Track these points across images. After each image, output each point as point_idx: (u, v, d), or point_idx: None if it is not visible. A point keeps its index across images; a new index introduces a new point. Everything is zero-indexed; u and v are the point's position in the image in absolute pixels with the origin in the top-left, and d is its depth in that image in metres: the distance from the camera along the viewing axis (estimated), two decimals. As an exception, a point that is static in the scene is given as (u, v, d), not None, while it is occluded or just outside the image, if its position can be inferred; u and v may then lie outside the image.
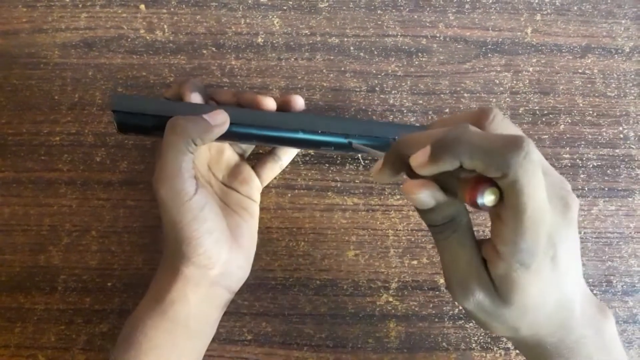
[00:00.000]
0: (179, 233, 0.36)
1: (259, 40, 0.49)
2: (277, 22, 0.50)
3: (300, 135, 0.41)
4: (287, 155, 0.46)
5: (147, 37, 0.49)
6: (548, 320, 0.30)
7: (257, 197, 0.45)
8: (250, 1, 0.50)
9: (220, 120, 0.38)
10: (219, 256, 0.38)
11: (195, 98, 0.41)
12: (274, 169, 0.46)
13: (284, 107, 0.42)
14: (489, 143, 0.26)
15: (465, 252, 0.30)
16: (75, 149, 0.48)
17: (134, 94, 0.48)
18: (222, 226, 0.39)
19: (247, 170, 0.45)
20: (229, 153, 0.45)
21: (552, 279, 0.29)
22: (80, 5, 0.50)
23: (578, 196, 0.47)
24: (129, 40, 0.49)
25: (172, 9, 0.50)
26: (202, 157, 0.43)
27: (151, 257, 0.46)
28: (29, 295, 0.46)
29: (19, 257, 0.46)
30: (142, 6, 0.50)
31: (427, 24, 0.50)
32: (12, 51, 0.49)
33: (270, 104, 0.41)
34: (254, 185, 0.44)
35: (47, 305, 0.46)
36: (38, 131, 0.48)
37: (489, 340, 0.46)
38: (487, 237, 0.30)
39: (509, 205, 0.26)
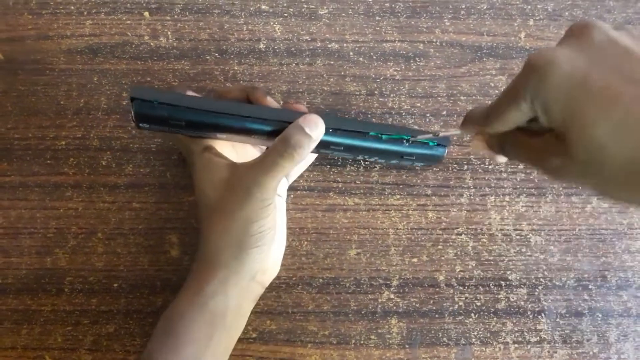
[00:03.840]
0: (248, 227, 0.38)
1: (261, 46, 0.51)
2: (278, 29, 0.51)
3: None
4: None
5: (152, 44, 0.50)
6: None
7: (284, 193, 0.46)
8: (252, 8, 0.51)
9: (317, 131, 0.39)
10: (268, 252, 0.40)
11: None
12: (300, 166, 0.47)
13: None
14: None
15: None
16: (80, 153, 0.49)
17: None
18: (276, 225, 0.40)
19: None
20: (253, 152, 0.46)
21: None
22: (85, 13, 0.51)
23: (572, 194, 0.49)
24: (134, 46, 0.50)
25: (175, 16, 0.51)
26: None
27: (157, 258, 0.47)
28: (35, 297, 0.47)
29: (26, 260, 0.47)
30: (146, 13, 0.51)
31: (424, 30, 0.52)
32: (18, 57, 0.50)
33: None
34: (282, 182, 0.46)
35: (54, 306, 0.47)
36: (44, 136, 0.49)
37: (488, 335, 0.47)
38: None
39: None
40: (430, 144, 0.44)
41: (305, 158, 0.39)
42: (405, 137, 0.43)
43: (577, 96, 0.27)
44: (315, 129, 0.38)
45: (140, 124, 0.39)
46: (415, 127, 0.50)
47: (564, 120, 0.28)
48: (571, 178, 0.30)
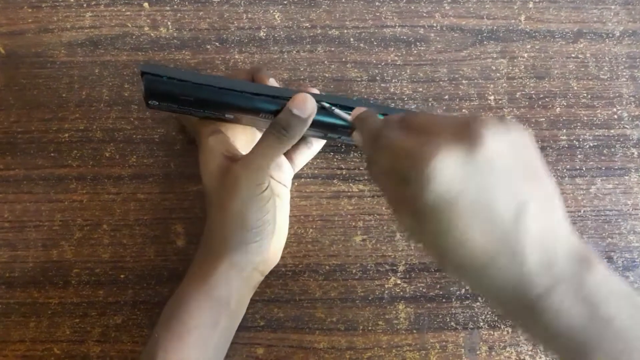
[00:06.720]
0: (244, 221, 0.38)
1: (261, 34, 0.51)
2: (278, 16, 0.51)
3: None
4: (319, 140, 0.47)
5: (152, 34, 0.50)
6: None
7: (289, 182, 0.46)
8: (251, -4, 0.51)
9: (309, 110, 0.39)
10: (268, 245, 0.40)
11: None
12: (306, 154, 0.47)
13: None
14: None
15: None
16: (84, 145, 0.49)
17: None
18: (276, 217, 0.41)
19: (281, 156, 0.45)
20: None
21: None
22: (84, 5, 0.51)
23: (576, 176, 0.49)
24: (134, 37, 0.50)
25: (175, 6, 0.51)
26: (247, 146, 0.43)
27: (163, 248, 0.47)
28: (42, 290, 0.47)
29: (32, 253, 0.47)
30: (146, 4, 0.51)
31: (424, 14, 0.51)
32: (18, 51, 0.50)
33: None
34: (287, 171, 0.46)
35: (61, 299, 0.47)
36: (47, 129, 0.49)
37: (495, 319, 0.47)
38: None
39: None
40: None
41: (299, 137, 0.39)
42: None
43: (444, 206, 0.27)
44: (304, 106, 0.38)
45: (150, 101, 0.39)
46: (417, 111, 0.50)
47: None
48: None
